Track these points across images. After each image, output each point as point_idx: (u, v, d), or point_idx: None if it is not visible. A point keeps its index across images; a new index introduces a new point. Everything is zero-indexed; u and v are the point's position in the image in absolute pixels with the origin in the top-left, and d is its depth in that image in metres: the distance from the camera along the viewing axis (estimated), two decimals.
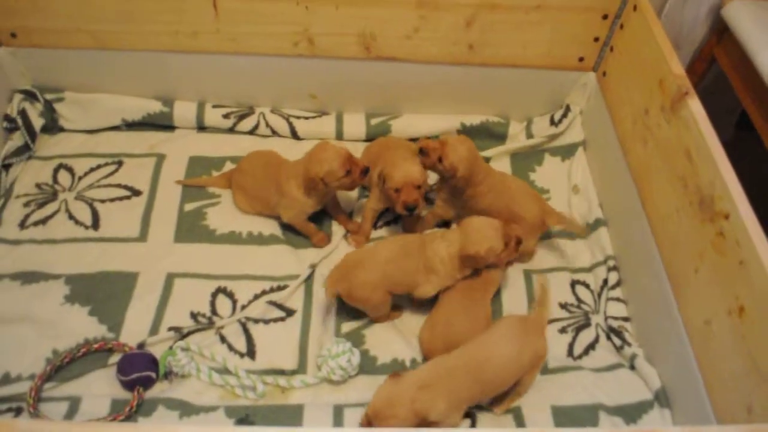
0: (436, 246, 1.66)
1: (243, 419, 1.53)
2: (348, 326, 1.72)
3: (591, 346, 1.73)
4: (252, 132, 2.14)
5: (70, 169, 2.01)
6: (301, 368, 1.64)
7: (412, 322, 1.75)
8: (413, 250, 1.67)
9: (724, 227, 1.37)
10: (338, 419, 1.54)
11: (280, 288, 1.77)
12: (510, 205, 1.81)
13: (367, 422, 1.42)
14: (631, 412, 1.58)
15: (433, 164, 1.75)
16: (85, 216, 1.89)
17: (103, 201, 1.93)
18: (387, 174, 1.75)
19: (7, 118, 2.01)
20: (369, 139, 2.10)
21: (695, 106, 1.52)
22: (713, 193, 1.42)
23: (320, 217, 1.92)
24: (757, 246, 1.27)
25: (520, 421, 1.55)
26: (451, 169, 1.72)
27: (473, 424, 1.54)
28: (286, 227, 1.90)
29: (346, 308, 1.75)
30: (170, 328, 1.67)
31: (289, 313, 1.73)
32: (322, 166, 1.70)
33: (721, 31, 1.90)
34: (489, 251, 1.61)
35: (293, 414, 1.55)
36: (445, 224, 1.95)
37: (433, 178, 1.88)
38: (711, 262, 1.42)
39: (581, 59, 2.01)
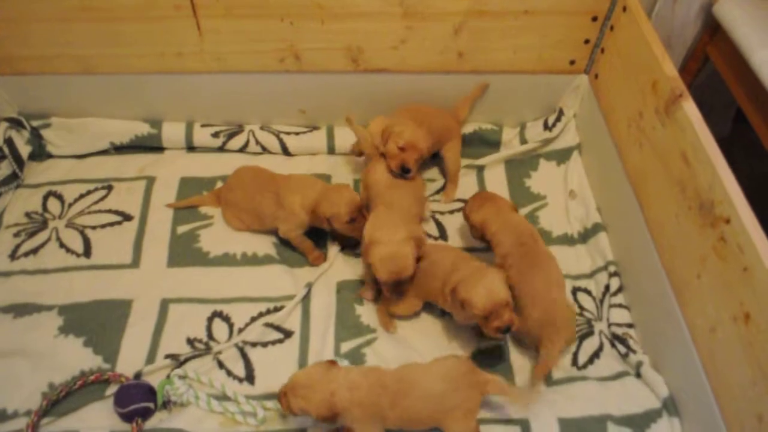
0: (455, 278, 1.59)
1: None
2: (347, 345, 1.69)
3: (595, 355, 1.70)
4: (242, 150, 2.11)
5: (59, 197, 1.98)
6: None
7: (413, 339, 1.72)
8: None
9: (726, 232, 1.35)
10: None
11: (276, 309, 1.74)
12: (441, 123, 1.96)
13: (283, 392, 1.44)
14: (639, 422, 1.55)
15: (404, 159, 1.77)
16: (77, 244, 1.87)
17: (94, 227, 1.91)
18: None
19: None
20: (360, 153, 2.07)
21: (690, 108, 1.49)
22: (712, 197, 1.39)
23: (315, 232, 1.89)
24: (761, 252, 1.24)
25: None
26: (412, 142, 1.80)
27: None
28: (281, 246, 1.88)
29: (344, 327, 1.72)
30: (167, 356, 1.65)
31: (287, 334, 1.71)
32: (331, 208, 1.70)
33: (713, 29, 1.87)
34: (468, 304, 1.51)
35: None
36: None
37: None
38: (713, 268, 1.39)
39: (572, 62, 1.99)
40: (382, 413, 1.44)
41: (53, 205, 1.96)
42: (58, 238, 1.88)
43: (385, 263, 1.59)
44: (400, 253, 1.60)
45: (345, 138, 2.11)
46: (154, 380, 1.58)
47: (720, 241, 1.37)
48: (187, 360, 1.64)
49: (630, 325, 1.73)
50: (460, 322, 1.67)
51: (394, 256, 1.59)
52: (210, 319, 1.73)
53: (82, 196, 1.99)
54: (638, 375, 1.64)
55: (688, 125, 1.47)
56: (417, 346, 1.70)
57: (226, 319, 1.73)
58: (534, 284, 1.62)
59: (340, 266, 1.85)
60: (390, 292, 1.64)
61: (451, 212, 2.00)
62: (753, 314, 1.27)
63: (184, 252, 1.86)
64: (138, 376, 1.60)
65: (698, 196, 1.44)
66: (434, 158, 2.07)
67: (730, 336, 1.34)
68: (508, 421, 1.54)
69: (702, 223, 1.43)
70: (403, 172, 1.79)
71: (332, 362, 1.48)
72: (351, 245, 1.89)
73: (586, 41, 1.93)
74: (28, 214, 1.94)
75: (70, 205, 1.97)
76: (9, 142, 1.99)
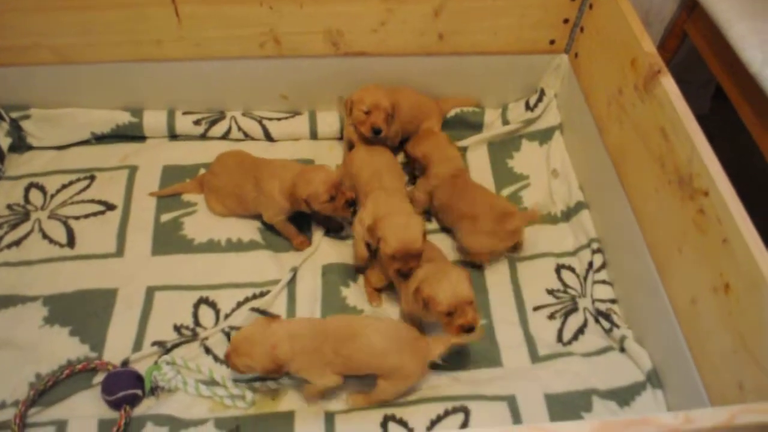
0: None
1: (233, 430, 1.51)
2: None
3: (580, 331, 1.72)
4: (225, 137, 2.10)
5: (41, 188, 1.97)
6: None
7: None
8: None
9: (704, 205, 1.36)
10: (329, 425, 1.52)
11: (262, 294, 1.75)
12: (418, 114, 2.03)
13: (227, 354, 1.48)
14: (623, 395, 1.57)
15: (372, 120, 1.83)
16: (60, 234, 1.85)
17: (77, 218, 1.89)
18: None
19: None
20: (343, 137, 2.07)
21: (668, 84, 1.50)
22: (691, 171, 1.40)
23: (300, 216, 1.88)
24: (738, 222, 1.26)
25: (514, 410, 1.54)
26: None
27: (467, 417, 1.53)
28: (265, 232, 1.88)
29: (330, 309, 1.73)
30: (154, 343, 1.64)
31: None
32: (307, 187, 1.69)
33: (690, 7, 1.88)
34: (432, 301, 1.49)
35: (284, 421, 1.53)
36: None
37: None
38: (693, 241, 1.41)
39: (552, 42, 2.00)
40: (326, 359, 1.47)
41: (35, 196, 1.95)
42: (41, 229, 1.86)
43: (397, 232, 1.55)
44: (411, 223, 1.58)
45: (327, 123, 2.11)
46: (141, 368, 1.58)
47: (699, 214, 1.38)
48: (174, 346, 1.64)
49: (613, 301, 1.76)
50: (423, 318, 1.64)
51: (406, 225, 1.57)
52: (196, 306, 1.73)
53: (64, 186, 1.97)
54: (622, 349, 1.66)
55: (667, 101, 1.49)
56: None
57: (212, 305, 1.73)
58: (473, 197, 1.80)
59: (325, 250, 1.85)
60: (397, 271, 1.58)
61: None
62: (732, 284, 1.29)
63: (169, 240, 1.85)
64: (125, 363, 1.60)
65: (677, 171, 1.46)
66: None
67: (710, 307, 1.36)
68: (495, 398, 1.56)
69: (682, 196, 1.44)
70: (375, 134, 1.83)
71: (273, 318, 1.51)
72: (336, 229, 1.89)
73: (566, 20, 1.94)
74: (9, 206, 1.92)
75: (53, 196, 1.95)
76: None
